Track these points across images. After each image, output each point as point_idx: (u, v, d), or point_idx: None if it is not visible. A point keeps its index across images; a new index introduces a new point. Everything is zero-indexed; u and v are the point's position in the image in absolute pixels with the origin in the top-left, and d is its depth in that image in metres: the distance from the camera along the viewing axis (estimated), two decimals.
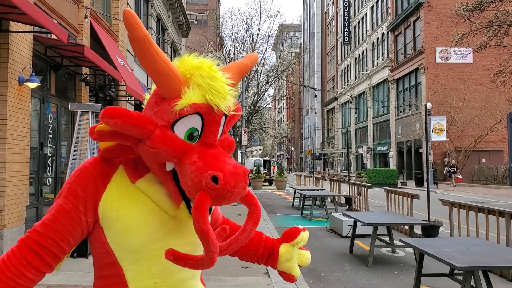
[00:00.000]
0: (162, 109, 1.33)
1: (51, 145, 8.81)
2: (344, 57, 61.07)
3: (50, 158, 8.81)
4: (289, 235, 1.73)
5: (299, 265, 1.77)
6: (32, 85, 7.26)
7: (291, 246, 1.72)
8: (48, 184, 8.75)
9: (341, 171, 53.50)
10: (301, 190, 15.76)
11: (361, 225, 8.05)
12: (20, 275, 1.30)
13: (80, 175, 1.41)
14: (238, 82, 1.53)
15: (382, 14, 47.13)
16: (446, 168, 31.82)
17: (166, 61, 1.28)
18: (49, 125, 8.73)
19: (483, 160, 33.88)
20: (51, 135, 8.79)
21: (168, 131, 1.32)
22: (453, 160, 31.46)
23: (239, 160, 22.77)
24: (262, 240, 1.79)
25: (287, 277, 1.76)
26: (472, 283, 4.51)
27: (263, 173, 32.19)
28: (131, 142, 1.36)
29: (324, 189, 17.32)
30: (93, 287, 1.47)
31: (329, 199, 16.06)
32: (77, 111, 7.88)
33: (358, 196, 13.69)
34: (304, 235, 1.73)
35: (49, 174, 8.77)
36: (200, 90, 1.30)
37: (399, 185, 30.59)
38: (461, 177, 31.00)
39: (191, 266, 1.27)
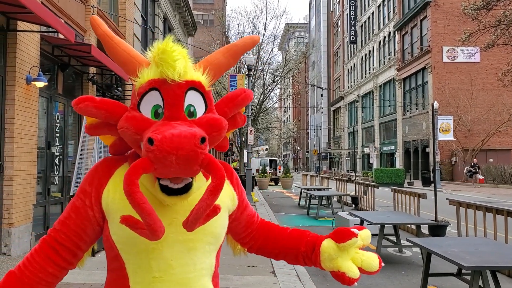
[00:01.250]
0: (132, 93, 1.43)
1: (58, 144, 8.85)
2: (351, 56, 60.90)
3: (58, 157, 8.85)
4: (340, 236, 1.55)
5: (362, 268, 1.58)
6: (40, 84, 7.30)
7: (336, 245, 1.55)
8: (55, 183, 8.79)
9: (347, 170, 53.37)
10: (307, 189, 15.74)
11: (367, 224, 8.01)
12: (42, 269, 1.40)
13: (90, 172, 1.51)
14: (232, 63, 1.52)
15: (388, 13, 46.96)
16: (466, 167, 30.61)
17: (126, 49, 1.44)
18: (56, 124, 8.78)
19: (491, 160, 33.67)
20: (58, 134, 8.83)
21: (134, 111, 1.38)
22: (474, 159, 30.70)
23: (245, 159, 22.74)
24: (305, 237, 1.65)
25: (340, 277, 1.57)
26: (480, 283, 4.48)
27: (269, 172, 32.20)
28: (115, 131, 1.43)
29: (330, 188, 17.28)
30: (105, 281, 1.54)
31: (335, 199, 16.02)
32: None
33: (365, 196, 13.65)
34: (360, 239, 1.58)
35: (56, 173, 8.81)
36: (157, 67, 1.35)
37: (405, 184, 30.46)
38: (483, 177, 29.66)
39: (140, 234, 1.25)
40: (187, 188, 1.34)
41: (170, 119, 1.32)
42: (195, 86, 1.38)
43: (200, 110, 1.39)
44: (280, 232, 1.71)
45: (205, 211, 1.23)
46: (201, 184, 1.44)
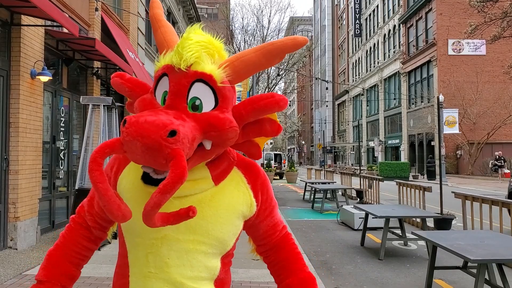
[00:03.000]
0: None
1: (63, 138, 8.87)
2: (355, 49, 60.64)
3: (63, 152, 8.88)
4: None
5: None
6: (44, 78, 7.30)
7: None
8: (60, 177, 8.82)
9: (352, 164, 53.29)
10: (312, 183, 15.74)
11: (372, 217, 8.01)
12: (76, 242, 1.54)
13: (113, 156, 1.55)
14: (264, 63, 1.38)
15: (393, 6, 46.66)
16: (491, 161, 29.37)
17: (164, 32, 1.49)
18: (61, 118, 8.79)
19: (496, 153, 33.52)
20: (63, 129, 8.84)
21: (149, 94, 1.40)
22: (499, 152, 29.75)
23: None
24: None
25: None
26: (486, 276, 4.46)
27: (274, 166, 32.20)
28: None
29: (335, 182, 17.26)
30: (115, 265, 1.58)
31: (340, 192, 16.01)
32: (88, 105, 7.91)
33: (370, 189, 13.63)
34: None
35: (61, 167, 8.84)
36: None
37: (410, 178, 30.40)
38: (509, 171, 27.65)
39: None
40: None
41: (170, 107, 1.29)
42: (203, 78, 1.30)
43: (208, 105, 1.31)
44: (287, 268, 1.61)
45: (153, 209, 1.15)
46: (205, 186, 1.41)
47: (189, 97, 1.30)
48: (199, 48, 1.31)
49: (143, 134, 1.14)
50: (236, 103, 1.42)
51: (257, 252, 1.67)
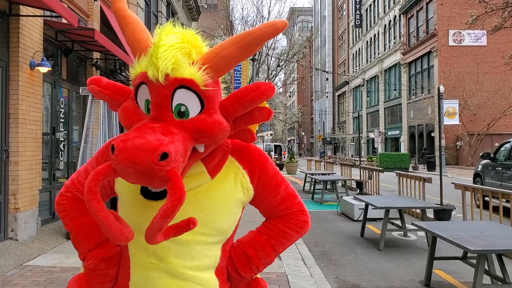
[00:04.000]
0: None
1: (63, 129, 8.86)
2: (356, 40, 60.41)
3: (62, 143, 8.87)
4: None
5: None
6: (43, 69, 7.27)
7: None
8: (60, 168, 8.82)
9: (352, 155, 53.31)
10: (312, 174, 15.75)
11: (372, 208, 8.02)
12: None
13: (107, 148, 1.49)
14: (244, 56, 1.32)
15: None
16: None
17: (133, 31, 1.37)
18: (61, 109, 8.77)
19: (496, 144, 33.40)
20: (63, 120, 8.82)
21: (131, 102, 1.35)
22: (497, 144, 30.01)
23: None
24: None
25: None
26: (486, 267, 4.48)
27: (274, 158, 32.20)
28: None
29: (335, 173, 17.29)
30: None
31: (340, 184, 16.02)
32: (88, 96, 7.89)
33: (369, 180, 13.64)
34: None
35: (61, 159, 8.83)
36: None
37: (410, 169, 30.41)
38: None
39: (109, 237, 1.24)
40: (166, 193, 1.26)
41: (155, 119, 1.26)
42: (185, 84, 1.25)
43: (194, 110, 1.28)
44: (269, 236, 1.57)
45: (156, 233, 1.16)
46: (201, 181, 1.41)
47: (173, 105, 1.26)
48: (174, 52, 1.25)
49: (134, 161, 1.12)
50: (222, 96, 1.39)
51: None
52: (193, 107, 1.28)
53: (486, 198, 7.54)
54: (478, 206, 7.41)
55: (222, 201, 1.43)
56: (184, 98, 1.26)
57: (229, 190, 1.46)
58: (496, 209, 6.99)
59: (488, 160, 12.36)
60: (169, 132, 1.21)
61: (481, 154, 13.03)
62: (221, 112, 1.32)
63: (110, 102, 1.41)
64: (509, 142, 11.95)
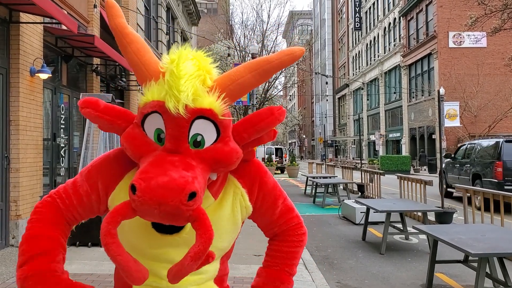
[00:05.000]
0: (138, 107, 1.31)
1: (63, 135, 8.87)
2: (355, 43, 60.44)
3: (63, 149, 8.88)
4: None
5: None
6: (44, 76, 7.29)
7: None
8: (61, 174, 8.83)
9: (353, 158, 53.25)
10: (313, 177, 15.74)
11: (374, 212, 8.02)
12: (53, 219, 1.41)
13: (102, 163, 1.44)
14: (261, 82, 1.30)
15: None
16: None
17: (138, 52, 1.29)
18: (61, 115, 8.78)
19: None
20: (63, 126, 8.84)
21: (137, 129, 1.27)
22: None
23: None
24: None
25: None
26: (487, 270, 4.47)
27: (275, 161, 32.19)
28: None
29: (336, 176, 17.26)
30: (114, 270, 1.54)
31: (341, 187, 16.01)
32: None
33: (371, 183, 13.63)
34: None
35: (62, 165, 8.84)
36: (163, 87, 1.22)
37: (412, 171, 30.38)
38: None
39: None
40: (180, 227, 1.23)
41: (171, 151, 1.21)
42: (204, 114, 1.22)
43: (210, 139, 1.24)
44: (278, 262, 1.59)
45: (184, 274, 1.14)
46: (206, 204, 1.37)
47: (190, 135, 1.22)
48: (193, 82, 1.21)
49: (161, 201, 1.08)
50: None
51: (265, 236, 1.67)
52: (210, 136, 1.24)
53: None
54: (478, 209, 7.41)
55: (223, 222, 1.42)
56: (202, 128, 1.23)
57: (229, 211, 1.45)
58: (497, 212, 6.97)
59: (450, 159, 15.89)
60: (190, 166, 1.17)
61: (444, 154, 15.21)
62: (234, 138, 1.29)
63: (110, 128, 1.33)
64: (465, 144, 15.50)
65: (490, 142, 13.74)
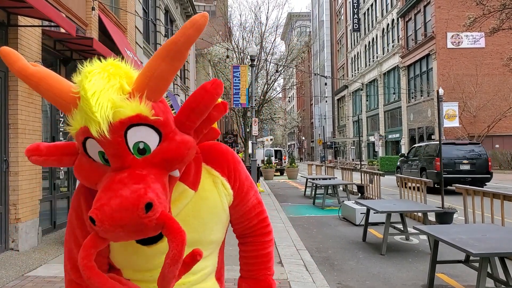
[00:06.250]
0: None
1: (62, 138, 8.86)
2: (354, 44, 60.53)
3: None
4: None
5: None
6: None
7: None
8: (60, 177, 8.81)
9: (352, 159, 53.27)
10: (313, 179, 15.74)
11: (374, 213, 8.01)
12: None
13: (76, 200, 1.41)
14: (178, 66, 1.21)
15: (392, 0, 46.54)
16: None
17: (50, 88, 1.23)
18: (60, 119, 8.77)
19: (497, 146, 33.47)
20: (62, 129, 8.82)
21: (83, 158, 1.24)
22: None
23: (250, 150, 22.70)
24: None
25: None
26: (488, 270, 4.45)
27: (274, 163, 32.20)
28: None
29: (336, 177, 17.27)
30: None
31: (341, 188, 16.00)
32: None
33: (371, 184, 13.62)
34: None
35: (61, 168, 8.82)
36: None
37: None
38: None
39: None
40: (161, 235, 1.19)
41: (119, 169, 1.16)
42: (133, 122, 1.15)
43: (153, 142, 1.18)
44: (253, 267, 1.60)
45: (171, 282, 1.13)
46: (187, 198, 1.36)
47: (131, 147, 1.17)
48: (106, 95, 1.13)
49: (121, 224, 1.07)
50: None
51: (234, 233, 1.63)
52: (151, 139, 1.18)
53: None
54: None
55: (210, 214, 1.40)
56: (139, 135, 1.17)
57: (213, 201, 1.42)
58: (498, 212, 6.96)
59: (403, 158, 20.87)
60: (140, 177, 1.13)
61: (399, 154, 20.59)
62: (180, 129, 1.23)
63: (60, 165, 1.31)
64: (414, 147, 20.14)
65: (432, 144, 18.24)
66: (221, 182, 1.44)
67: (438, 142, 15.34)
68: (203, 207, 1.39)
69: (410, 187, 10.52)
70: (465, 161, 16.80)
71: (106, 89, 1.13)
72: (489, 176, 16.83)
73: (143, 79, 1.18)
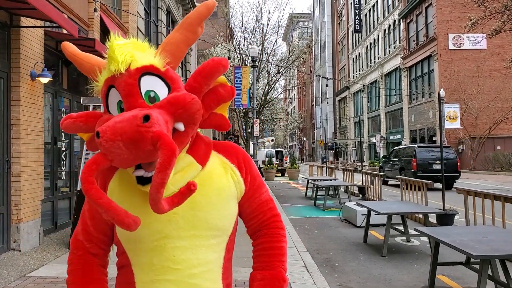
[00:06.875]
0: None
1: (64, 139, 8.88)
2: (355, 45, 60.51)
3: (64, 152, 8.88)
4: None
5: None
6: (44, 80, 7.30)
7: None
8: (62, 178, 8.83)
9: (354, 160, 53.25)
10: (314, 180, 15.72)
11: (375, 214, 8.01)
12: (92, 274, 1.56)
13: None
14: (191, 37, 1.43)
15: (393, 1, 46.54)
16: None
17: (89, 59, 1.49)
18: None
19: (498, 147, 33.42)
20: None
21: (105, 115, 1.39)
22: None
23: (251, 151, 22.71)
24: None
25: None
26: (489, 272, 4.46)
27: (276, 163, 32.17)
28: None
29: (337, 179, 17.25)
30: (116, 278, 1.57)
31: (342, 189, 16.00)
32: (89, 105, 7.92)
33: (372, 186, 13.62)
34: None
35: (63, 168, 8.84)
36: (107, 65, 1.36)
37: None
38: None
39: (117, 224, 1.25)
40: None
41: (129, 109, 1.29)
42: (147, 70, 1.33)
43: (162, 92, 1.34)
44: (267, 260, 1.59)
45: (159, 190, 1.17)
46: (194, 172, 1.41)
47: (143, 93, 1.32)
48: (129, 47, 1.35)
49: (120, 132, 1.17)
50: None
51: (248, 233, 1.66)
52: (161, 90, 1.34)
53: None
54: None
55: (217, 196, 1.44)
56: (150, 84, 1.33)
57: (222, 184, 1.46)
58: (499, 213, 6.97)
59: (385, 159, 24.28)
60: (146, 107, 1.28)
61: (382, 156, 23.08)
62: (188, 90, 1.38)
63: (87, 128, 1.44)
64: (395, 149, 23.52)
65: (410, 147, 21.63)
66: (230, 168, 1.51)
67: (415, 146, 21.13)
68: (210, 187, 1.44)
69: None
70: (437, 162, 19.29)
71: (129, 45, 1.36)
72: (458, 174, 19.58)
73: (162, 45, 1.42)
